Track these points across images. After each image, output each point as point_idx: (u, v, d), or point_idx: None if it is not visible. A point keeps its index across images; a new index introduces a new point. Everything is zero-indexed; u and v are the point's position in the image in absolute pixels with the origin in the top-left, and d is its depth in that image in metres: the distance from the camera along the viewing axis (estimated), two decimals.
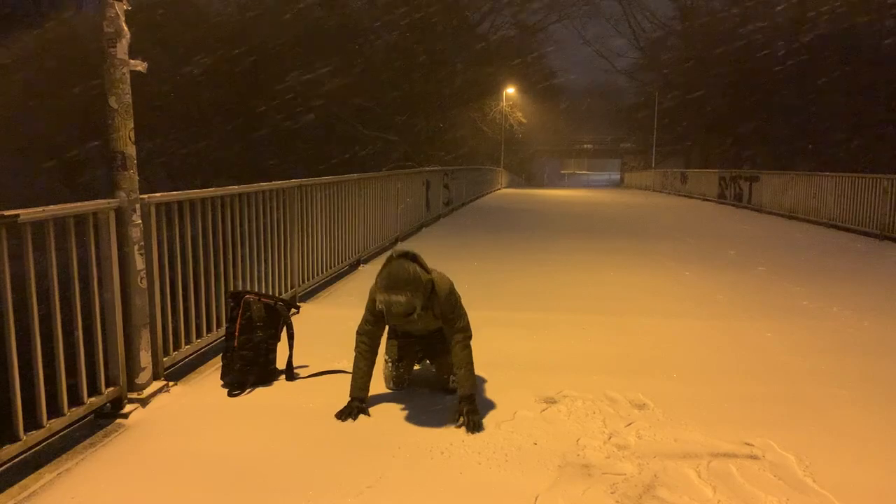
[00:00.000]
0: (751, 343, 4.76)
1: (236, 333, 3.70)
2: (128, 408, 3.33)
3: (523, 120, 40.38)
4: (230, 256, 4.49)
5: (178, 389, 3.69)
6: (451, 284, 3.39)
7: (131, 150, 3.36)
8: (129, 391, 3.40)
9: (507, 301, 5.98)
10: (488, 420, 3.29)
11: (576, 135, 62.43)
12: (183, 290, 3.97)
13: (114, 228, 3.28)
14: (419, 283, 3.15)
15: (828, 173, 13.15)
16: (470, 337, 3.39)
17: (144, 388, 3.46)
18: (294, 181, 5.64)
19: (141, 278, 3.43)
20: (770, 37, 33.30)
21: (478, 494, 2.60)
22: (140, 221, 3.42)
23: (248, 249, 4.77)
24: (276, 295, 4.77)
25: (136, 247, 3.39)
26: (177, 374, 3.93)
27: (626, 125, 51.91)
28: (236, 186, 4.59)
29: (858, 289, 6.86)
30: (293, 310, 4.03)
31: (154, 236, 3.59)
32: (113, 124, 3.30)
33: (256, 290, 4.74)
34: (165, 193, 3.74)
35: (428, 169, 13.08)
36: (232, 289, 4.35)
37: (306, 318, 5.18)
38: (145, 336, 3.47)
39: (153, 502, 2.57)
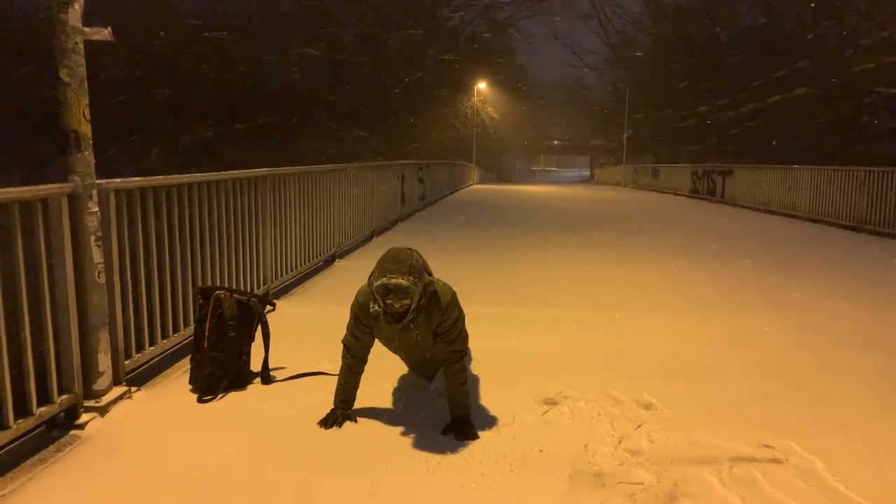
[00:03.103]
0: (748, 337, 4.57)
1: (206, 333, 3.37)
2: (84, 417, 2.98)
3: (495, 115, 40.23)
4: (198, 250, 4.15)
5: (141, 396, 3.34)
6: (454, 295, 2.97)
7: (86, 129, 3.00)
8: (85, 399, 3.04)
9: (489, 296, 5.70)
10: (487, 424, 3.02)
11: (546, 131, 62.57)
12: (147, 286, 3.62)
13: (67, 217, 2.92)
14: (421, 273, 2.77)
15: (803, 166, 13.17)
16: (465, 356, 3.05)
17: (103, 395, 3.11)
18: (265, 170, 5.29)
19: (98, 273, 3.08)
20: (736, 34, 33.63)
21: None
22: (97, 209, 3.07)
23: (217, 242, 4.43)
24: (250, 291, 4.43)
25: (92, 237, 3.03)
26: (140, 378, 3.58)
27: (597, 122, 52.13)
28: (203, 174, 4.23)
29: (846, 280, 6.76)
30: (268, 307, 3.70)
31: (113, 226, 3.24)
32: (65, 100, 2.94)
33: (227, 285, 4.40)
34: (126, 179, 3.39)
35: (402, 162, 12.76)
36: (201, 284, 4.00)
37: (281, 317, 4.84)
38: (104, 337, 3.12)
39: None
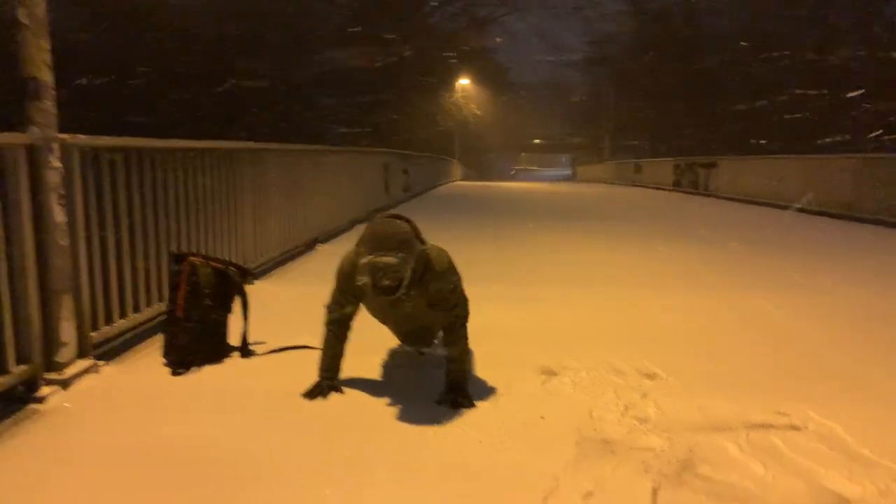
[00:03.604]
0: (750, 313, 4.41)
1: (180, 302, 3.13)
2: (44, 390, 2.73)
3: (477, 111, 40.07)
4: (173, 221, 3.91)
5: (109, 370, 3.10)
6: (450, 260, 2.76)
7: (47, 77, 2.76)
8: (46, 371, 2.80)
9: (480, 277, 5.44)
10: (483, 394, 2.82)
11: (528, 129, 62.44)
12: (117, 255, 3.37)
13: (25, 171, 2.67)
14: (412, 245, 2.52)
15: (788, 156, 13.13)
16: (466, 322, 2.84)
17: (66, 367, 2.86)
18: (244, 143, 5.07)
19: (61, 234, 2.83)
20: (718, 31, 33.82)
21: (485, 478, 2.13)
22: (59, 165, 2.82)
23: (194, 215, 4.19)
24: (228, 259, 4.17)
25: (54, 195, 2.79)
26: (109, 354, 3.32)
27: (578, 119, 52.10)
28: (179, 141, 4.00)
29: (842, 262, 6.65)
30: (248, 277, 3.47)
31: (79, 186, 2.99)
32: (24, 43, 2.69)
33: None
34: (93, 136, 3.14)
35: (387, 150, 12.53)
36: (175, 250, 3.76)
37: (261, 296, 4.56)
38: (67, 304, 2.87)
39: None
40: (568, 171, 63.63)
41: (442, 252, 2.77)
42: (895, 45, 23.34)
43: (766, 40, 29.00)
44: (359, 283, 2.56)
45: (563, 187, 27.36)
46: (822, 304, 4.65)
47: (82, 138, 3.02)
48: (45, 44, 2.75)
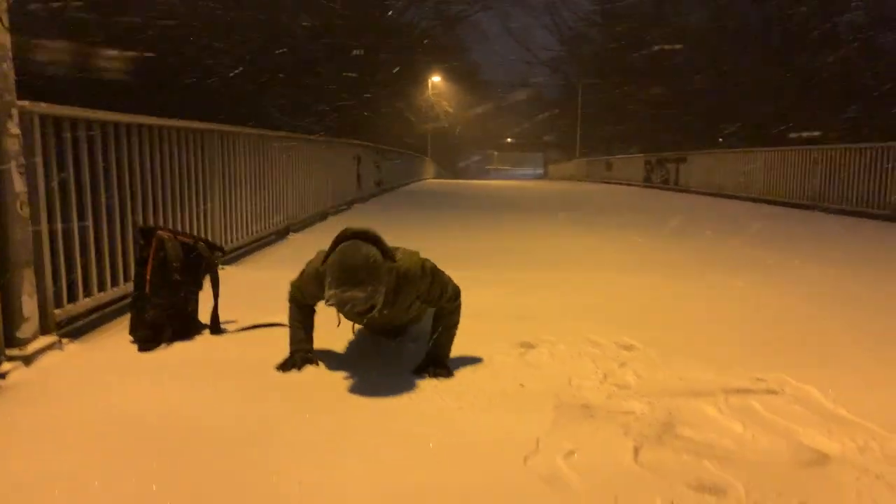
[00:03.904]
0: (728, 294, 4.43)
1: (147, 277, 3.03)
2: (6, 366, 2.62)
3: (450, 109, 40.07)
4: (139, 202, 3.79)
5: (74, 347, 2.99)
6: (421, 262, 2.66)
7: (4, 38, 2.64)
8: (7, 347, 2.68)
9: (456, 263, 5.44)
10: (461, 365, 2.77)
11: (499, 129, 62.55)
12: (81, 231, 3.25)
13: None
14: (381, 272, 2.38)
15: (757, 149, 13.32)
16: (457, 298, 2.80)
17: (28, 344, 2.75)
18: (213, 125, 4.94)
19: (21, 204, 2.72)
20: (683, 29, 34.26)
21: (466, 442, 2.08)
22: (18, 131, 2.71)
23: (161, 196, 4.07)
24: (197, 235, 4.06)
25: (13, 163, 2.67)
26: (73, 334, 3.20)
27: (550, 118, 52.37)
28: (145, 117, 3.88)
29: (811, 247, 6.77)
30: (217, 253, 3.37)
31: (40, 155, 2.88)
32: None
33: None
34: (55, 105, 3.02)
35: (359, 143, 12.42)
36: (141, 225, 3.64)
37: (232, 280, 4.47)
38: (28, 277, 2.76)
39: (44, 477, 1.92)
40: (540, 170, 63.91)
41: (412, 258, 2.66)
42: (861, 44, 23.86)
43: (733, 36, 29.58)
44: (327, 303, 2.43)
45: (537, 185, 27.50)
46: (793, 284, 4.71)
47: (43, 106, 2.91)
48: (2, 2, 2.63)
